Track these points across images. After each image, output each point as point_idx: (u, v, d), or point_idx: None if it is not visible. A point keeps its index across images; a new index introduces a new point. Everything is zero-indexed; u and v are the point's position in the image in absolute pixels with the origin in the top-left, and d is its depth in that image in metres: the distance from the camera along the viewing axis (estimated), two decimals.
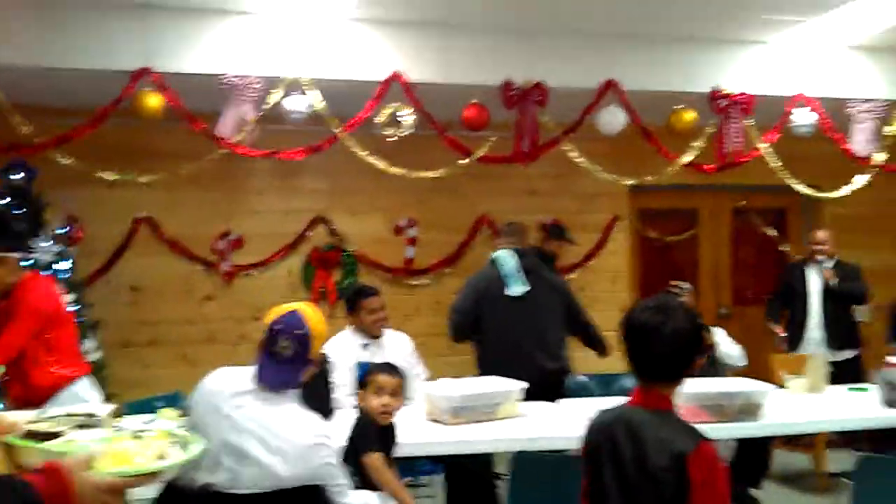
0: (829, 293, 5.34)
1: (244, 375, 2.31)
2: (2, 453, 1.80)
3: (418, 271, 5.86)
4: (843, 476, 2.93)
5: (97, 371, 4.13)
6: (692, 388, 3.28)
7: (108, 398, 3.74)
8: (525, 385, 3.50)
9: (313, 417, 2.31)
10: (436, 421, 3.35)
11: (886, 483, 2.87)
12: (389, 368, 2.84)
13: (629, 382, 2.06)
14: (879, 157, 5.11)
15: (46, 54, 4.01)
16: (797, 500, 4.73)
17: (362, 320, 3.94)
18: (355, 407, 2.91)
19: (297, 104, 4.31)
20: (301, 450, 2.21)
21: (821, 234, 5.47)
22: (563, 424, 3.25)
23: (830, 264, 5.39)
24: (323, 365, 3.29)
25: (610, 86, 4.72)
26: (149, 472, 1.59)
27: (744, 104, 4.89)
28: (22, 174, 4.34)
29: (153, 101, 4.11)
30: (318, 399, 3.13)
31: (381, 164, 4.57)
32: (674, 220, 6.59)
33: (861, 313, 5.50)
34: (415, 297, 5.80)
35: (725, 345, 4.70)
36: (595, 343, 4.36)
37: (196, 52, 4.22)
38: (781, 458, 5.17)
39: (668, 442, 1.89)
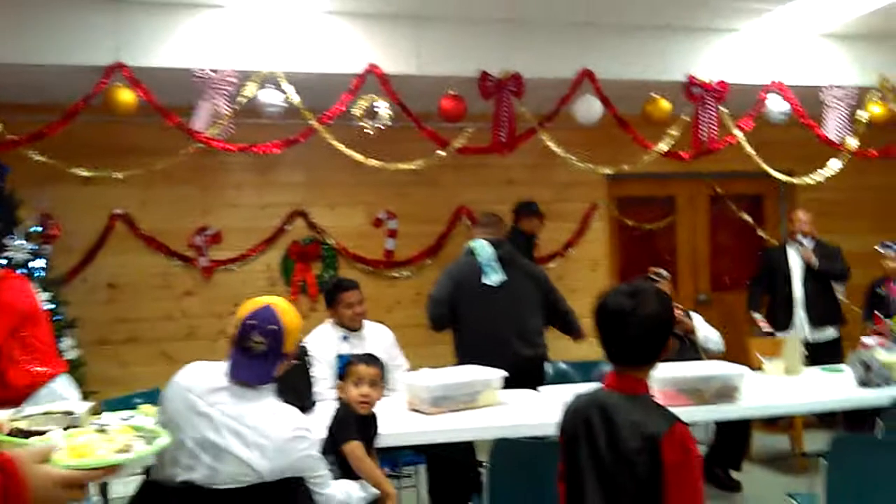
0: (810, 272, 5.41)
1: (217, 371, 2.30)
2: None
3: (398, 263, 5.87)
4: (820, 456, 2.96)
5: (75, 369, 4.10)
6: (670, 372, 3.32)
7: (87, 396, 3.71)
8: (504, 374, 3.52)
9: (291, 410, 2.30)
10: (416, 411, 3.37)
11: (860, 462, 2.92)
12: (368, 359, 2.85)
13: (608, 368, 2.08)
14: (852, 143, 5.17)
15: (17, 50, 3.97)
16: (776, 480, 4.80)
17: (341, 314, 3.95)
18: (336, 399, 2.91)
19: (273, 97, 4.30)
20: (280, 444, 2.20)
21: (801, 214, 5.54)
22: (543, 411, 3.27)
23: (811, 244, 5.46)
24: (303, 358, 3.29)
25: (585, 75, 4.74)
26: (109, 465, 1.54)
27: (718, 92, 4.94)
28: None
29: (126, 96, 4.08)
30: (299, 392, 3.15)
31: (358, 157, 4.56)
32: (651, 207, 6.63)
33: (840, 292, 5.58)
34: (396, 290, 5.81)
35: (704, 330, 4.75)
36: (571, 329, 4.39)
37: (169, 46, 4.19)
38: (760, 440, 5.26)
39: (642, 424, 1.91)
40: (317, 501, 2.32)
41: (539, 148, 4.86)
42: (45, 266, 4.41)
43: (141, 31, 4.13)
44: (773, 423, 5.26)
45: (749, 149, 5.04)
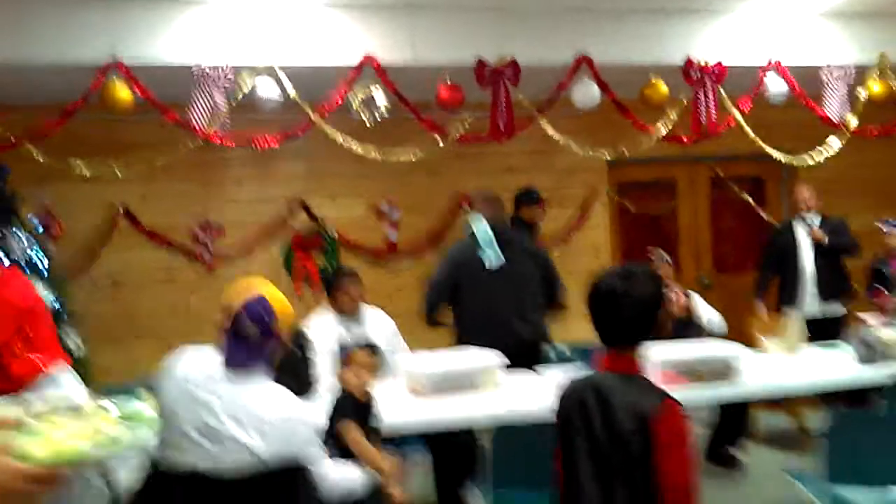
0: (819, 247, 5.39)
1: (211, 357, 2.33)
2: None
3: (400, 253, 5.89)
4: (821, 434, 2.98)
5: (80, 366, 4.13)
6: (668, 353, 3.34)
7: (93, 392, 3.74)
8: (504, 359, 3.53)
9: (287, 393, 2.33)
10: (417, 395, 3.40)
11: (860, 438, 2.94)
12: (366, 345, 2.88)
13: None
14: (852, 122, 5.16)
15: (12, 50, 3.99)
16: (778, 458, 4.81)
17: (340, 301, 3.99)
18: (337, 386, 2.94)
19: (270, 91, 4.31)
20: (278, 425, 2.23)
21: (804, 191, 5.51)
22: (543, 394, 3.29)
23: (817, 221, 5.44)
24: (303, 345, 3.32)
25: (582, 61, 4.74)
26: (81, 458, 1.51)
27: (716, 74, 4.93)
28: None
29: (123, 93, 4.09)
30: (300, 379, 3.18)
31: (357, 149, 4.58)
32: (653, 192, 6.62)
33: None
34: (398, 279, 5.83)
35: (705, 311, 4.77)
36: (558, 305, 4.38)
37: (164, 41, 4.20)
38: (763, 419, 5.27)
39: (635, 404, 1.94)
40: (318, 486, 2.35)
41: (539, 135, 4.86)
42: (48, 264, 4.44)
43: (136, 28, 4.15)
44: (776, 401, 5.27)
45: (748, 130, 5.03)
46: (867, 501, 2.98)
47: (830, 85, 5.14)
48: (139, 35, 4.15)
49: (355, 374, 2.79)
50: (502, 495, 2.85)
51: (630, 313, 2.02)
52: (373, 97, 4.42)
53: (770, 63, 5.03)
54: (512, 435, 2.85)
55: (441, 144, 4.74)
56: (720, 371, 3.37)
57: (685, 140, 5.09)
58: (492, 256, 4.14)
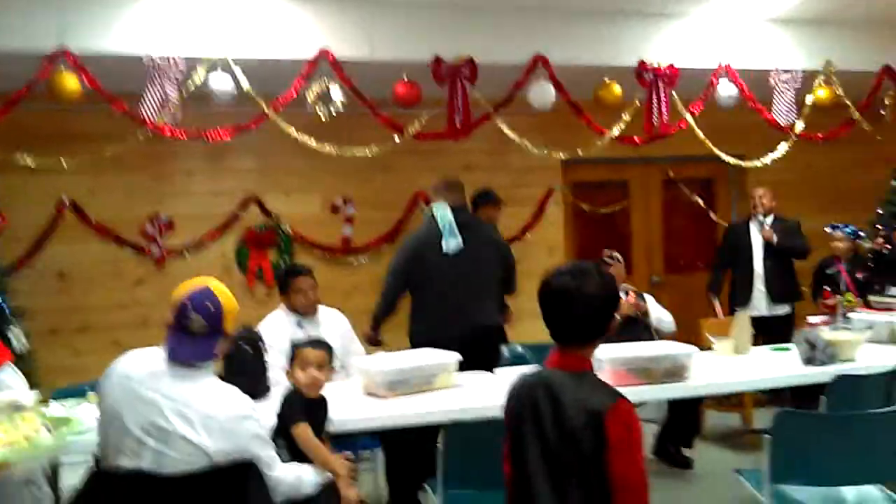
0: (770, 249, 5.51)
1: (155, 355, 2.29)
2: None
3: (356, 249, 5.86)
4: (766, 432, 3.04)
5: (25, 360, 4.03)
6: (620, 352, 3.38)
7: (37, 387, 3.65)
8: (459, 357, 3.53)
9: (234, 391, 2.30)
10: (372, 395, 3.37)
11: (802, 436, 3.00)
12: (315, 343, 2.86)
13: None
14: (799, 126, 5.29)
15: None
16: (727, 457, 4.91)
17: (294, 300, 3.94)
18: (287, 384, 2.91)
19: (223, 84, 4.24)
20: (226, 423, 2.20)
21: (760, 191, 5.62)
22: (498, 393, 3.29)
23: (769, 220, 5.56)
24: (257, 344, 3.28)
25: (538, 60, 4.77)
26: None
27: (668, 77, 5.00)
28: None
29: (71, 82, 3.99)
30: (253, 379, 3.14)
31: (312, 143, 4.54)
32: (606, 191, 6.71)
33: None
34: (354, 276, 5.79)
35: (656, 311, 4.84)
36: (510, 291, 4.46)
37: (115, 31, 4.11)
38: (712, 418, 5.37)
39: (586, 401, 1.95)
40: (267, 485, 2.32)
41: (496, 133, 4.88)
42: None
43: (86, 16, 4.05)
44: (725, 400, 5.37)
45: (699, 132, 5.12)
46: (811, 500, 3.05)
47: (778, 89, 5.26)
48: (89, 23, 4.05)
49: (304, 371, 2.76)
50: (454, 496, 2.84)
51: (581, 311, 2.03)
52: (328, 92, 4.38)
53: (721, 66, 5.12)
54: (464, 434, 2.84)
55: (397, 141, 4.73)
56: (671, 370, 3.42)
57: (638, 141, 5.17)
58: (451, 241, 4.13)
